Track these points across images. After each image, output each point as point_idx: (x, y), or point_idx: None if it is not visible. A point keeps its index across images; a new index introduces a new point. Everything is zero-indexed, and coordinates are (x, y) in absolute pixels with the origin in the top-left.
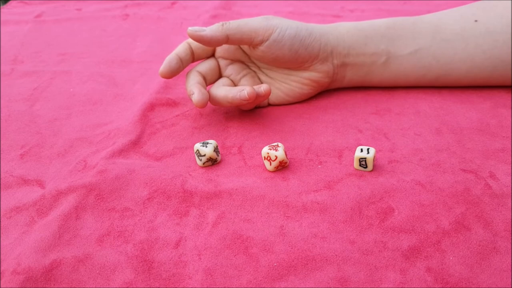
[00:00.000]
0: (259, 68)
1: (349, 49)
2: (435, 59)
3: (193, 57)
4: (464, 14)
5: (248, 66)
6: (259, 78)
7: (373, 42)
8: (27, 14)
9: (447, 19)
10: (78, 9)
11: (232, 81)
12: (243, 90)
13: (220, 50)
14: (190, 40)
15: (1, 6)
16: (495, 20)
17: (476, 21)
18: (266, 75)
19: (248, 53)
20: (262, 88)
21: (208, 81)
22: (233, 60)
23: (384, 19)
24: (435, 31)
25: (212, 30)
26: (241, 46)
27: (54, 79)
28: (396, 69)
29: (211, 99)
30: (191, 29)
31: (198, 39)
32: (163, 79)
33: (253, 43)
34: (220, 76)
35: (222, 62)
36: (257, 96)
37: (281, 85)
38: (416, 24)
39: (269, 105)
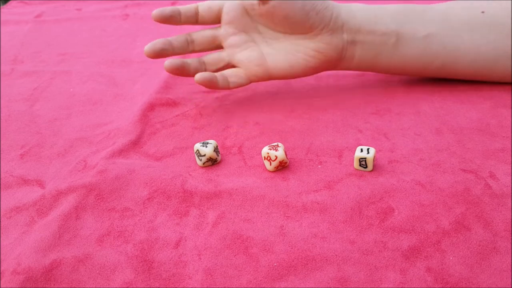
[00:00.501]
0: (264, 39)
1: (360, 25)
2: (443, 46)
3: (197, 18)
4: (471, 4)
5: (252, 39)
6: (261, 52)
7: (383, 22)
8: (27, 14)
9: (456, 8)
10: (78, 9)
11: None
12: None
13: (226, 17)
14: (200, 3)
15: (1, 6)
16: (500, 13)
17: (483, 12)
18: (271, 46)
19: (256, 17)
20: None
21: (197, 44)
22: (238, 30)
23: (394, 4)
24: (443, 19)
25: None
26: (249, 10)
27: (54, 79)
28: (405, 53)
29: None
30: None
31: None
32: (163, 79)
33: None
34: (213, 47)
35: (226, 31)
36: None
37: (286, 56)
38: (426, 12)
39: (270, 79)
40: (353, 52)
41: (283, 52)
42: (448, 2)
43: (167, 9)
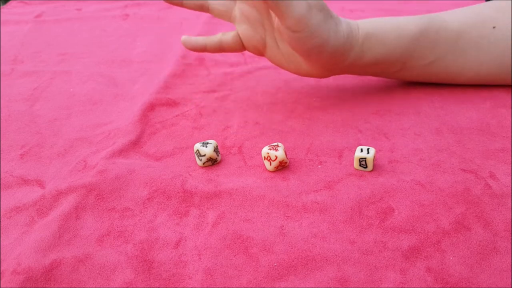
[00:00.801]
0: (271, 31)
1: (365, 64)
2: (446, 69)
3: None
4: (484, 20)
5: (262, 22)
6: (264, 39)
7: (392, 57)
8: (27, 14)
9: (468, 25)
10: (78, 9)
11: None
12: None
13: None
14: None
15: (1, 6)
16: (510, 25)
17: (494, 27)
18: (274, 40)
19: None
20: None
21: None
22: (252, 8)
23: (413, 23)
24: (454, 41)
25: None
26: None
27: (54, 79)
28: (405, 76)
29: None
30: None
31: None
32: (163, 79)
33: (279, 20)
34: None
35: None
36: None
37: (283, 57)
38: (439, 33)
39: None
40: (350, 73)
41: (283, 50)
42: (462, 17)
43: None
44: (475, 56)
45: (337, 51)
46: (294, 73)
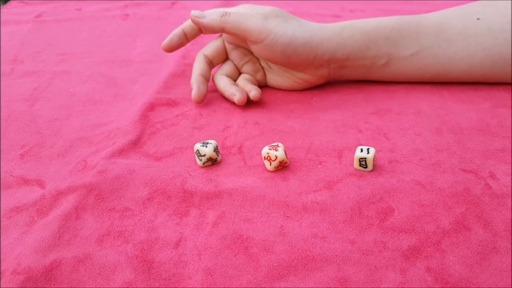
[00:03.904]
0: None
1: (349, 54)
2: (435, 58)
3: (201, 31)
4: (467, 12)
5: (251, 53)
6: (260, 65)
7: (376, 46)
8: (27, 14)
9: (451, 17)
10: (78, 9)
11: (235, 66)
12: (235, 95)
13: (225, 35)
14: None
15: (1, 6)
16: (496, 18)
17: (478, 19)
18: (266, 63)
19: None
20: (252, 94)
21: (215, 63)
22: (237, 46)
23: (391, 17)
24: (438, 30)
25: (210, 19)
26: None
27: (54, 79)
28: (396, 69)
29: (214, 83)
30: (193, 12)
31: (196, 23)
32: (163, 79)
33: (247, 41)
34: (227, 57)
35: (227, 46)
36: (248, 99)
37: (277, 78)
38: (421, 23)
39: (267, 86)
40: (342, 74)
41: (275, 73)
42: (444, 11)
43: (175, 37)
44: (464, 47)
45: (310, 43)
46: (295, 88)
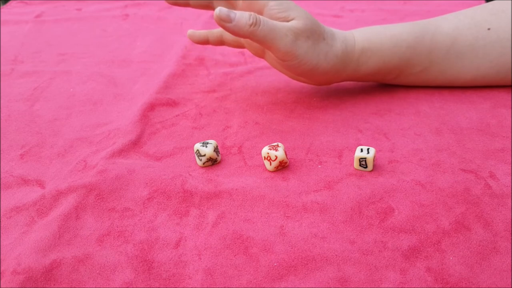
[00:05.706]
0: None
1: (362, 76)
2: (442, 73)
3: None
4: (478, 22)
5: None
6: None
7: (389, 67)
8: (27, 14)
9: (464, 29)
10: (78, 9)
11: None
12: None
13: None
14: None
15: (1, 6)
16: (506, 27)
17: (489, 29)
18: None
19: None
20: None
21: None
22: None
23: (409, 31)
24: (450, 45)
25: (238, 27)
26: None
27: (54, 79)
28: (402, 81)
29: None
30: (220, 12)
31: (221, 26)
32: (163, 79)
33: (271, 52)
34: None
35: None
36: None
37: (277, 65)
38: (435, 37)
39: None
40: (349, 79)
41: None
42: (456, 18)
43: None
44: (472, 60)
45: (329, 72)
46: (292, 78)
